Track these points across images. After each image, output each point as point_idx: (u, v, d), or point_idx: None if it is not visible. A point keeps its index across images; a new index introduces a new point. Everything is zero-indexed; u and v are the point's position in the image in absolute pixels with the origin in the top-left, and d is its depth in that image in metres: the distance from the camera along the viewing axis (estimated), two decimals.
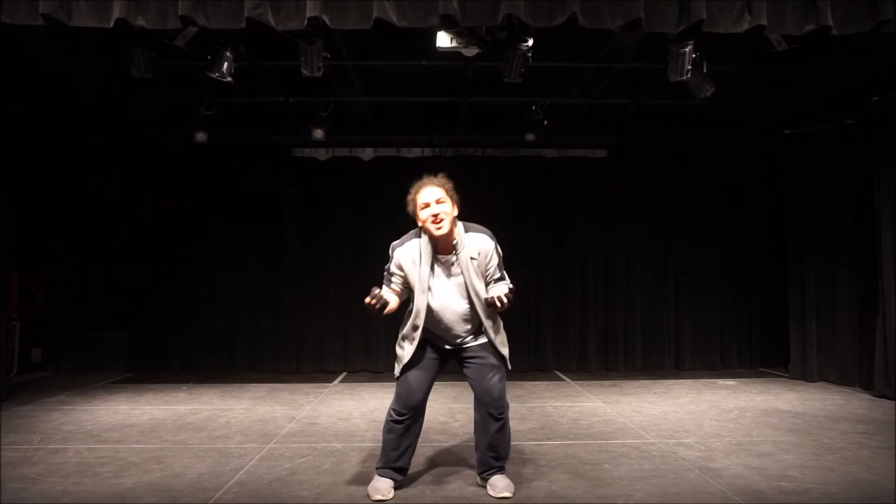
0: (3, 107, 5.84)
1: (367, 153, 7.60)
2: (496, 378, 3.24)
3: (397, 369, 3.27)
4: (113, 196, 7.60)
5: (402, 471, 3.33)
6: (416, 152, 7.58)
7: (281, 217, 7.60)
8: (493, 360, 3.24)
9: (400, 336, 3.29)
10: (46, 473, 3.67)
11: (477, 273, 3.15)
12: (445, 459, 3.90)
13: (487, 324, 3.21)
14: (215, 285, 7.53)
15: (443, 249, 3.15)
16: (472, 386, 3.33)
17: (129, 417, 5.13)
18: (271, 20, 3.75)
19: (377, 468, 3.33)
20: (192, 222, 7.53)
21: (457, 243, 3.14)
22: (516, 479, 3.41)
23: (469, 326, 3.23)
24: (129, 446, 4.25)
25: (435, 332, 3.25)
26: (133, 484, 3.48)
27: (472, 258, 3.14)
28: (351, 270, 7.40)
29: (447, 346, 3.28)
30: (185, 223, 7.53)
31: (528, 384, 6.64)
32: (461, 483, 3.46)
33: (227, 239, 7.53)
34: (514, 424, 4.79)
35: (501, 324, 3.31)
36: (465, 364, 3.29)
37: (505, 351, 3.27)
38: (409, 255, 3.17)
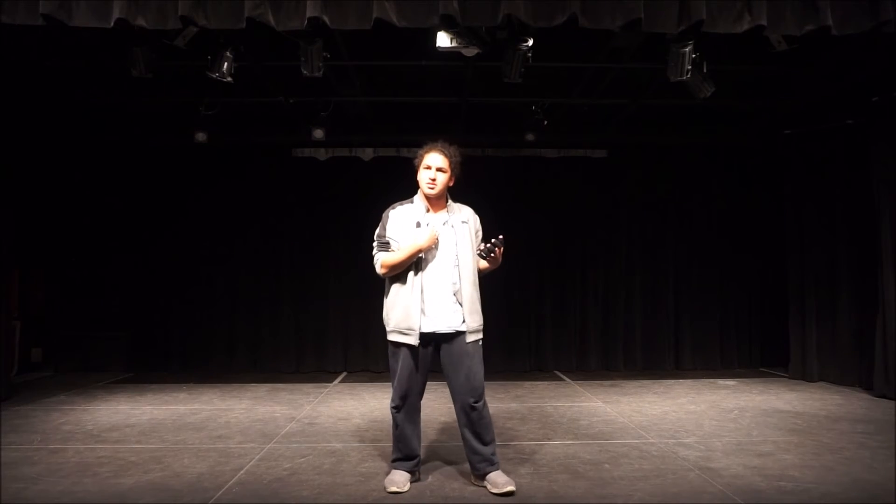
0: (4, 106, 5.84)
1: (367, 153, 7.59)
2: (475, 366, 3.32)
3: (392, 356, 3.38)
4: (113, 196, 7.60)
5: (412, 458, 3.42)
6: (416, 152, 7.55)
7: (281, 216, 7.59)
8: (470, 348, 3.32)
9: (388, 326, 3.37)
10: (46, 473, 3.67)
11: (467, 238, 3.38)
12: (445, 459, 3.89)
13: (470, 295, 3.32)
14: (215, 285, 7.53)
15: (434, 208, 3.43)
16: (448, 376, 3.38)
17: (129, 417, 5.13)
18: (271, 20, 3.75)
19: (391, 461, 3.46)
20: (192, 222, 7.53)
21: (448, 207, 3.46)
22: (517, 480, 3.40)
23: (454, 297, 3.32)
24: (129, 446, 4.26)
25: (420, 308, 3.28)
26: (133, 484, 3.48)
27: (463, 221, 3.44)
28: (352, 270, 7.38)
29: (431, 330, 3.30)
30: (185, 223, 7.53)
31: (528, 384, 6.64)
32: (461, 483, 3.46)
33: (228, 238, 7.53)
34: (514, 424, 4.83)
35: (479, 298, 3.40)
36: (444, 353, 3.36)
37: (479, 320, 3.37)
38: (403, 215, 3.44)
